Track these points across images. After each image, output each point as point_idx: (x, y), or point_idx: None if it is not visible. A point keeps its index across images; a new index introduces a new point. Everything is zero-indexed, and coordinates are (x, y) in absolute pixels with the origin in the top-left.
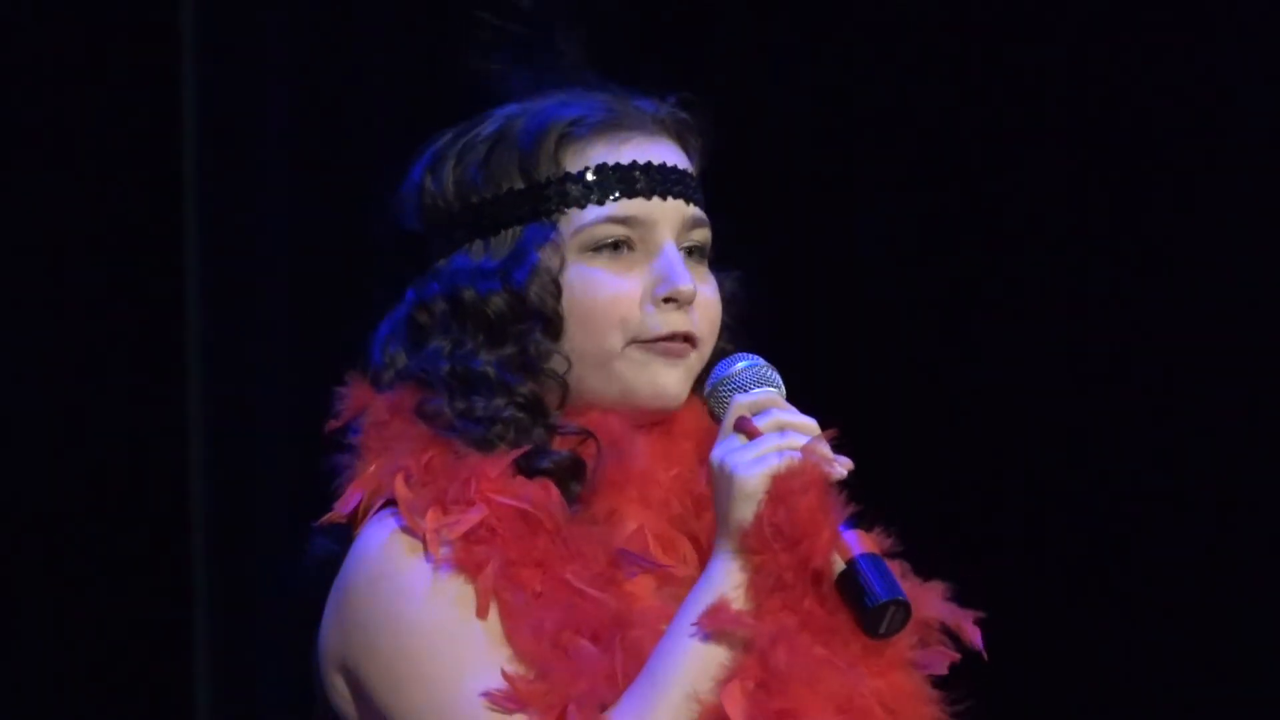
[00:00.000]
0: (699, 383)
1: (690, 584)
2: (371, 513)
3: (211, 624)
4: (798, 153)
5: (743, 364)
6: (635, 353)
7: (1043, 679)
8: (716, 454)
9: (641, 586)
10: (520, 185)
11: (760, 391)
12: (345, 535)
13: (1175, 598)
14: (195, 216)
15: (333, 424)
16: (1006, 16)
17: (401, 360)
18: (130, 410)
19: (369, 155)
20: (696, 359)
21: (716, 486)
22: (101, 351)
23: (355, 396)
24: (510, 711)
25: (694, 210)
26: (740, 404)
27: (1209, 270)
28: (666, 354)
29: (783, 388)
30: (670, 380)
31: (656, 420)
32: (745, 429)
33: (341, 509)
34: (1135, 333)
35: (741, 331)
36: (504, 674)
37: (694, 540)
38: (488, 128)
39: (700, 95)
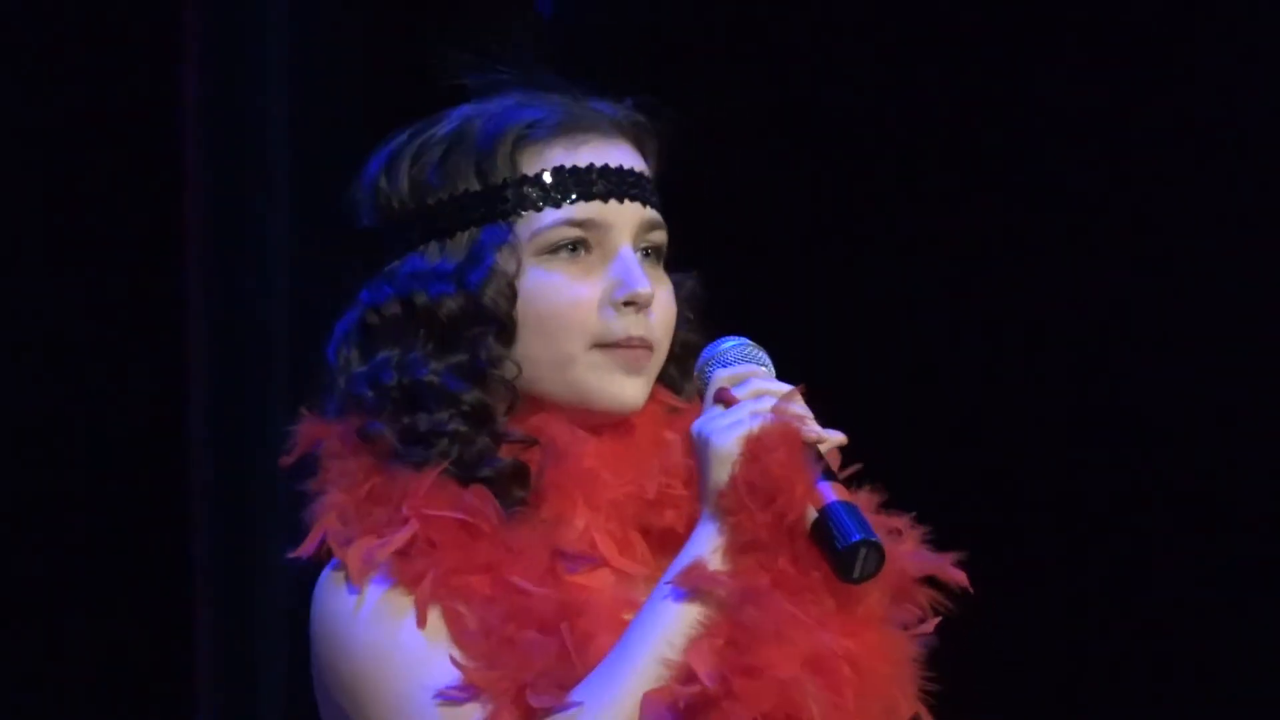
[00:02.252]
0: (658, 381)
1: (650, 582)
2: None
3: (213, 627)
4: (797, 154)
5: (729, 344)
6: (597, 357)
7: (1042, 676)
8: (696, 425)
9: (598, 581)
10: (476, 187)
11: (742, 365)
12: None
13: (1176, 597)
14: (198, 216)
15: (284, 459)
16: (1009, 20)
17: (356, 361)
18: (130, 411)
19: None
20: (654, 363)
21: (697, 456)
22: (102, 352)
23: (306, 431)
24: (463, 701)
25: (650, 213)
26: (720, 376)
27: (1210, 270)
28: (628, 363)
29: (770, 366)
30: (631, 390)
31: (610, 422)
32: (724, 398)
33: (303, 553)
34: (1138, 331)
35: (702, 327)
36: (453, 661)
37: (657, 538)
38: (444, 128)
39: (702, 103)
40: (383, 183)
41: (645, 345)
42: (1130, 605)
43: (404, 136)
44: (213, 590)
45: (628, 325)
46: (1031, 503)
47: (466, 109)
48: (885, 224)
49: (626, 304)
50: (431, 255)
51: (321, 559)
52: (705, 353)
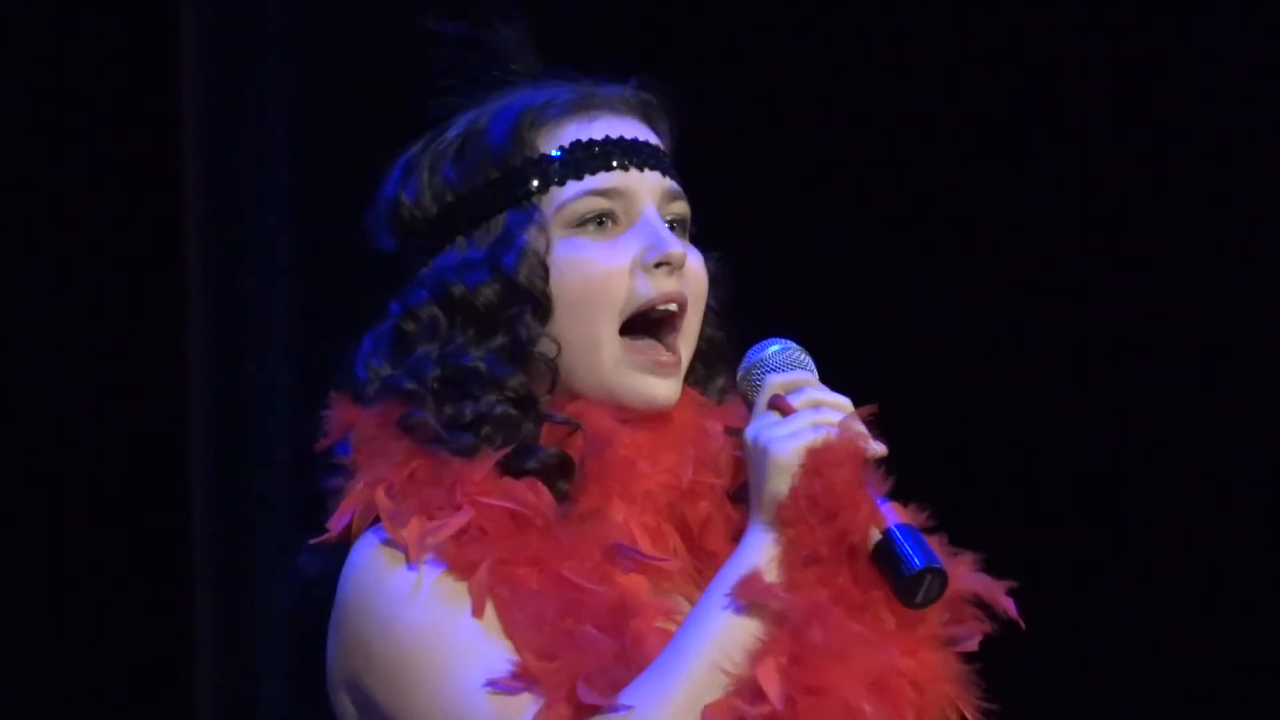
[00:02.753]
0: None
1: (683, 578)
2: (363, 529)
3: (213, 630)
4: (798, 150)
5: (775, 348)
6: (624, 354)
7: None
8: (751, 430)
9: (635, 583)
10: (496, 175)
11: (794, 372)
12: (340, 554)
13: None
14: (197, 217)
15: (321, 444)
16: (1008, 14)
17: (386, 373)
18: (131, 412)
19: (374, 157)
20: (684, 342)
21: (751, 461)
22: (102, 353)
23: (340, 415)
24: (517, 691)
25: (671, 183)
26: (774, 383)
27: (1212, 271)
28: (655, 366)
29: (815, 371)
30: (660, 391)
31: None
32: (780, 406)
33: (334, 528)
34: (1139, 327)
35: (727, 314)
36: (512, 652)
37: (685, 531)
38: (454, 131)
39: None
40: (402, 197)
41: (679, 299)
42: (1132, 606)
43: (415, 149)
44: (213, 593)
45: (660, 284)
46: (1035, 506)
47: (471, 112)
48: (890, 222)
49: (658, 265)
50: (460, 249)
51: (347, 541)
52: (751, 354)
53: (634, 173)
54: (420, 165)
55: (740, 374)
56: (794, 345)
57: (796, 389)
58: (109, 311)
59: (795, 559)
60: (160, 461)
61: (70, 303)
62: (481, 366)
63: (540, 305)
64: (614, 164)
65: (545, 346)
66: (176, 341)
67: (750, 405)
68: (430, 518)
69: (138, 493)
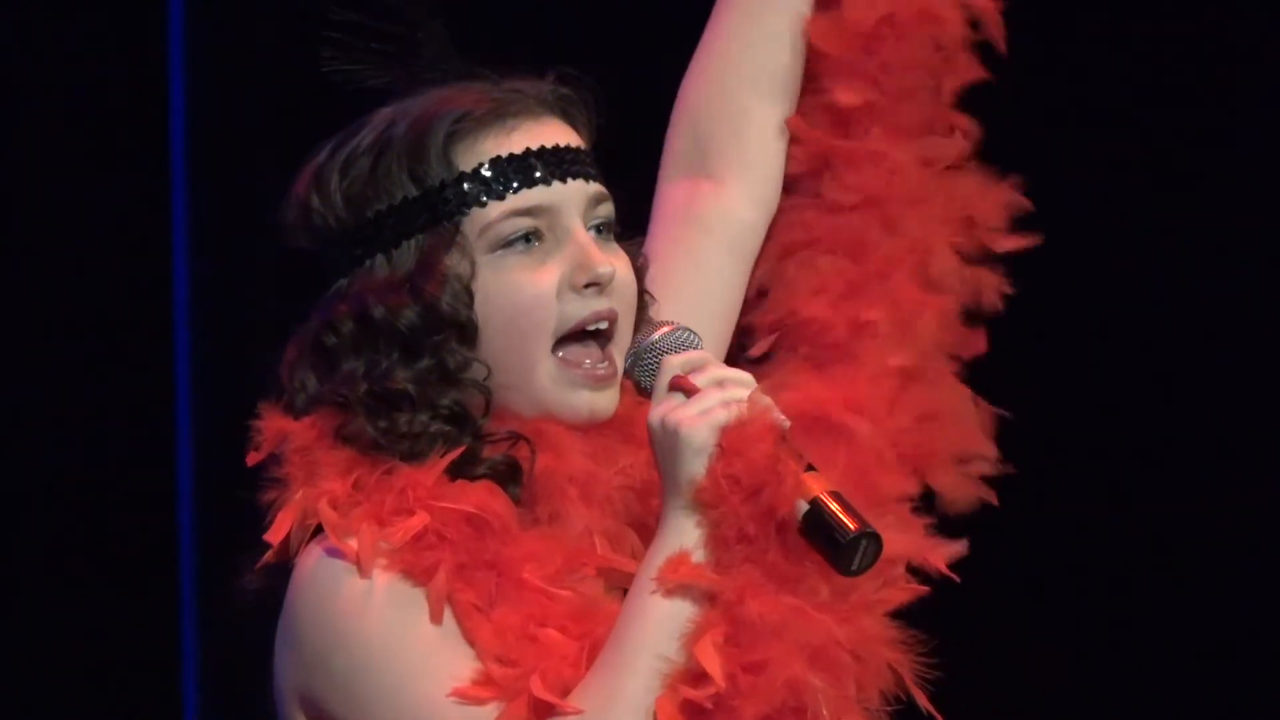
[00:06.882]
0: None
1: None
2: (305, 541)
3: (203, 639)
4: None
5: (663, 330)
6: (560, 371)
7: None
8: (656, 414)
9: (595, 588)
10: (414, 193)
11: (690, 352)
12: (277, 569)
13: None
14: (186, 222)
15: (253, 457)
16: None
17: (311, 383)
18: (122, 419)
19: None
20: (618, 348)
21: (660, 446)
22: (93, 360)
23: (272, 426)
24: (481, 700)
25: (595, 187)
26: (672, 363)
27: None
28: (592, 380)
29: (704, 349)
30: (600, 404)
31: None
32: (683, 386)
33: (271, 539)
34: (1139, 330)
35: (651, 298)
36: (474, 659)
37: (643, 531)
38: (366, 136)
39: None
40: (315, 202)
41: (610, 317)
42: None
43: (325, 152)
44: (206, 593)
45: (591, 304)
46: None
47: (385, 112)
48: None
49: (588, 286)
50: (380, 268)
51: (286, 557)
52: (638, 342)
53: (557, 185)
54: (332, 172)
55: (629, 361)
56: (682, 326)
57: (697, 368)
58: (101, 310)
59: (721, 539)
60: (152, 460)
61: (63, 299)
62: (411, 389)
63: (466, 332)
64: (536, 179)
65: (475, 371)
66: (167, 338)
67: (644, 391)
68: (382, 524)
69: (131, 492)
